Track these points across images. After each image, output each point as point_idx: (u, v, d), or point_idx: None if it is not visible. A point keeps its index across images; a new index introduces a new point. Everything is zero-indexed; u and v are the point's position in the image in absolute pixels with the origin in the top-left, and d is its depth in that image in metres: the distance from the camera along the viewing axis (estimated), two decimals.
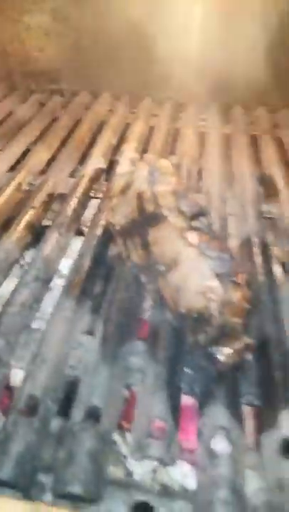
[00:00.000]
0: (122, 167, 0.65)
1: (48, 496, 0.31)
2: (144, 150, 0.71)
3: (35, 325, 0.43)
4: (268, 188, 0.65)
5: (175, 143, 0.74)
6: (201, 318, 0.34)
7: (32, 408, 0.34)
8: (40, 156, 0.68)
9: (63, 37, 0.88)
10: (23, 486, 0.30)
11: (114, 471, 0.35)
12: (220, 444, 0.34)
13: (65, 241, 0.52)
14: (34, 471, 0.31)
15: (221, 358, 0.34)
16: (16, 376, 0.40)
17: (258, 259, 0.50)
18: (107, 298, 0.45)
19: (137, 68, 0.87)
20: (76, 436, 0.33)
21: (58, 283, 0.48)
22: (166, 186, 0.40)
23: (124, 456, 0.38)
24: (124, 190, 0.45)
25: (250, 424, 0.39)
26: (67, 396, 0.37)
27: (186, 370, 0.39)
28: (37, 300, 0.44)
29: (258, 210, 0.58)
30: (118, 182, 0.47)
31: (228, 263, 0.35)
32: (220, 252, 0.35)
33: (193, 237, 0.36)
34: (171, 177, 0.42)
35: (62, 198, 0.60)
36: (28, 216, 0.55)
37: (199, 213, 0.38)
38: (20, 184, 0.61)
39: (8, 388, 0.40)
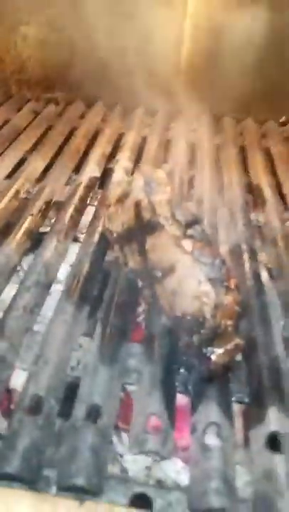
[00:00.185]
0: (117, 175, 0.68)
1: (53, 489, 0.32)
2: (137, 159, 0.74)
3: (36, 328, 0.44)
4: (255, 197, 0.68)
5: (167, 152, 0.77)
6: (195, 321, 0.37)
7: (36, 407, 0.36)
8: (36, 164, 0.70)
9: (58, 47, 0.91)
10: (30, 480, 0.32)
11: (111, 468, 0.37)
12: (212, 439, 0.36)
13: (64, 247, 0.54)
14: (40, 466, 0.33)
15: (213, 357, 0.37)
16: (17, 378, 0.42)
17: (247, 264, 0.53)
18: (105, 302, 0.47)
19: (130, 79, 0.89)
20: (79, 433, 0.35)
21: (57, 288, 0.50)
22: (162, 196, 0.43)
23: (120, 455, 0.40)
24: (121, 199, 0.47)
25: (239, 420, 0.41)
26: (69, 395, 0.39)
27: (181, 370, 0.41)
28: (38, 304, 0.46)
29: (246, 218, 0.62)
30: (114, 191, 0.50)
31: (221, 269, 0.37)
32: (213, 259, 0.38)
33: (188, 244, 0.38)
34: (166, 187, 0.44)
35: (60, 205, 0.62)
36: (26, 223, 0.56)
37: (193, 221, 0.41)
38: (18, 191, 0.63)
39: (8, 391, 0.42)
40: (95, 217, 0.59)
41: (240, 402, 0.41)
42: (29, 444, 0.33)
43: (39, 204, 0.60)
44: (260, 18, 0.85)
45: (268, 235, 0.60)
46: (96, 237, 0.55)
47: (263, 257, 0.57)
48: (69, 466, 0.33)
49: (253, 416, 0.39)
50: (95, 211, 0.61)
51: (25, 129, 0.82)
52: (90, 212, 0.62)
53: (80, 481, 0.32)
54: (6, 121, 0.84)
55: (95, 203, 0.63)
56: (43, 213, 0.60)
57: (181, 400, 0.41)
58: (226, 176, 0.71)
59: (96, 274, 0.51)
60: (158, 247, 0.41)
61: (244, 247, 0.55)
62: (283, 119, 0.90)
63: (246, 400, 0.40)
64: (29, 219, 0.57)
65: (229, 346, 0.37)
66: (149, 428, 0.36)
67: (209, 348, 0.37)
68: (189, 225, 0.40)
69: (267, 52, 0.86)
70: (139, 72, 0.86)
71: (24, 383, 0.38)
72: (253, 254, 0.55)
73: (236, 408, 0.41)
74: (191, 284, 0.37)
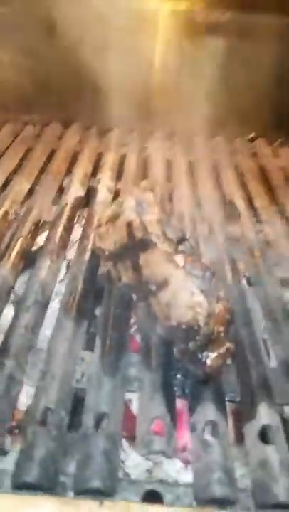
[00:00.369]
0: (101, 195, 0.71)
1: (70, 494, 0.35)
2: (118, 177, 0.78)
3: (39, 345, 0.47)
4: (229, 211, 0.74)
5: (146, 170, 0.81)
6: (190, 329, 0.40)
7: (47, 419, 0.38)
8: (22, 185, 0.72)
9: (34, 70, 0.94)
10: (48, 487, 0.34)
11: None
12: (211, 436, 0.40)
13: (56, 266, 0.57)
14: (56, 473, 0.35)
15: (208, 361, 0.41)
16: (21, 395, 0.44)
17: (229, 274, 0.58)
18: (101, 316, 0.50)
19: (104, 101, 0.94)
20: (90, 440, 0.37)
21: (53, 305, 0.53)
22: (152, 215, 0.47)
23: (122, 461, 0.43)
24: (111, 219, 0.51)
25: (233, 417, 0.45)
26: (76, 406, 0.41)
27: (178, 375, 0.45)
28: (38, 322, 0.49)
29: (224, 230, 0.66)
30: (104, 212, 0.53)
31: (211, 280, 0.42)
32: (203, 271, 0.42)
33: (180, 259, 0.42)
34: (155, 207, 0.48)
35: (49, 225, 0.64)
36: (18, 244, 0.59)
37: (183, 238, 0.45)
38: (6, 213, 0.65)
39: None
40: (83, 236, 0.62)
41: (232, 402, 0.45)
42: (44, 454, 0.36)
43: (28, 225, 0.63)
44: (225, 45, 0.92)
45: (244, 246, 0.65)
46: (87, 255, 0.57)
47: (241, 265, 0.62)
48: (84, 471, 0.35)
49: (245, 413, 0.43)
50: (83, 230, 0.64)
51: (6, 149, 0.84)
52: (78, 230, 0.65)
53: (96, 483, 0.34)
54: None
55: (83, 222, 0.66)
56: (33, 234, 0.62)
57: (178, 405, 0.44)
58: (202, 190, 0.76)
59: (90, 289, 0.54)
60: (151, 262, 0.44)
61: (225, 258, 0.60)
62: (252, 135, 0.97)
63: (238, 399, 0.45)
64: (20, 240, 0.59)
65: (222, 350, 0.41)
66: (154, 430, 0.39)
67: (204, 353, 0.41)
68: (180, 241, 0.44)
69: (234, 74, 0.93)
70: (114, 94, 0.91)
71: (33, 398, 0.41)
72: (234, 265, 0.60)
73: (229, 407, 0.45)
74: (185, 296, 0.41)
